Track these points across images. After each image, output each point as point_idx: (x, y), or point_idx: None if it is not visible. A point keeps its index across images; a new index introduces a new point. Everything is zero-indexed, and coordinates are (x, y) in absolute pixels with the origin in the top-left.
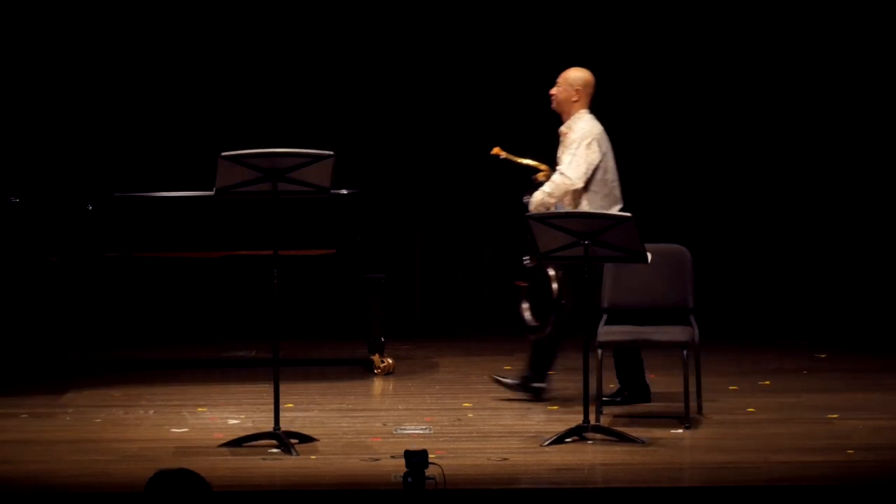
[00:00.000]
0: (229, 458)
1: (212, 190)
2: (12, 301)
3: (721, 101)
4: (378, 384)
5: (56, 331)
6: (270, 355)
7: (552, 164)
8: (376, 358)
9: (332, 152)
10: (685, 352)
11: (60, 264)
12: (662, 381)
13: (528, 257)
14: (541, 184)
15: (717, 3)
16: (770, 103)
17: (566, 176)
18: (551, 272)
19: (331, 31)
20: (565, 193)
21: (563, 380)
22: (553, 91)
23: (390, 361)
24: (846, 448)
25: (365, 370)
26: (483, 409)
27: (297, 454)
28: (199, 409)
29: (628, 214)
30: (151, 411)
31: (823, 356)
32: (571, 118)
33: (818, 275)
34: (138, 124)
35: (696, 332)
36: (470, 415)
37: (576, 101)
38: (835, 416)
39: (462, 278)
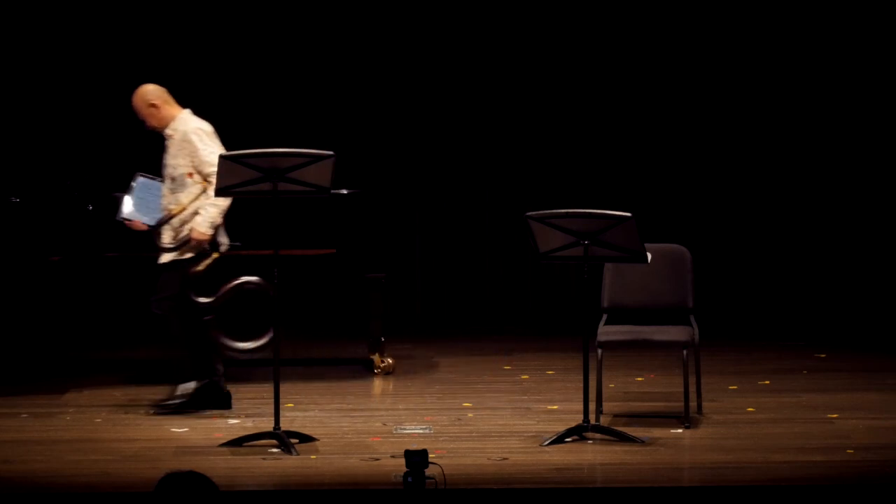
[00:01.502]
0: (229, 457)
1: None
2: (12, 301)
3: (721, 102)
4: (378, 384)
5: (56, 331)
6: (271, 355)
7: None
8: (376, 358)
9: (332, 152)
10: (685, 352)
11: (61, 264)
12: (662, 381)
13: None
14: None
15: (716, 4)
16: (770, 104)
17: None
18: (244, 280)
19: (331, 31)
20: None
21: (563, 380)
22: (142, 119)
23: (390, 361)
24: (846, 448)
25: (365, 370)
26: (483, 409)
27: (297, 454)
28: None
29: (628, 214)
30: (152, 411)
31: (823, 356)
32: (174, 121)
33: (818, 275)
34: (139, 124)
35: (696, 331)
36: (470, 415)
37: (161, 109)
38: (835, 416)
39: (462, 278)
